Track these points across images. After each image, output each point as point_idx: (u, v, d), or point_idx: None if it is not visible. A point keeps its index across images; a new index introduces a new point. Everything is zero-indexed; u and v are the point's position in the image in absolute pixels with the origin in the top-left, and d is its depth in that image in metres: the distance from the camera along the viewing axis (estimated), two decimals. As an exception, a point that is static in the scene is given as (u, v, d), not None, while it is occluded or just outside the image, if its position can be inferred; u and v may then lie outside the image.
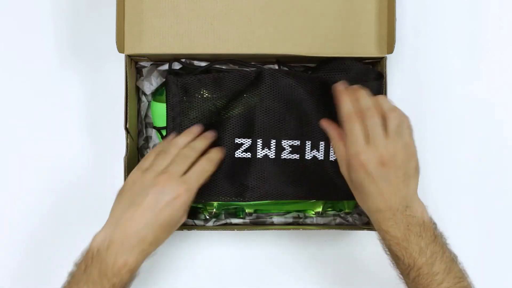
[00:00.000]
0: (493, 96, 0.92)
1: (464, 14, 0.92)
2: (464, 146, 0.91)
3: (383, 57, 0.81)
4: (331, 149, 0.82)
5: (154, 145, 0.87)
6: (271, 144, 0.81)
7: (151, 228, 0.71)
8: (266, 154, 0.81)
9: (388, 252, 0.73)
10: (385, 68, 0.81)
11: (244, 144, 0.81)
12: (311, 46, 0.81)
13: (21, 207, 0.89)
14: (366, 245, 0.90)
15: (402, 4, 0.91)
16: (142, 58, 0.85)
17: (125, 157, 0.79)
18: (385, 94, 0.81)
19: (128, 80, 0.80)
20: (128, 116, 0.80)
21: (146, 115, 0.88)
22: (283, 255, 0.90)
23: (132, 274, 0.72)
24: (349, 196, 0.84)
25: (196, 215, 0.88)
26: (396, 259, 0.72)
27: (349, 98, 0.75)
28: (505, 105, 0.92)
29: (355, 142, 0.72)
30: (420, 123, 0.87)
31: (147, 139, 0.89)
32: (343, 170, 0.75)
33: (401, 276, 0.73)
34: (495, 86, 0.92)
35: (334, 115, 0.79)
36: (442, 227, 0.75)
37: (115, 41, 0.79)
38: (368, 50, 0.81)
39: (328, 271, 0.90)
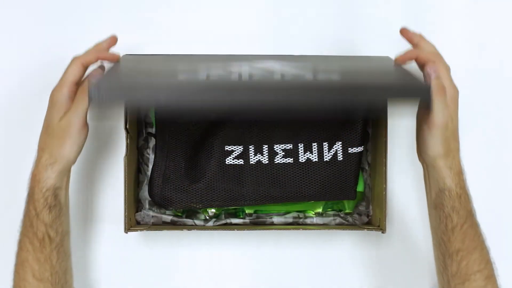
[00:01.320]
0: (494, 96, 0.92)
1: (464, 13, 0.92)
2: (464, 146, 0.91)
3: (387, 57, 0.81)
4: (324, 149, 0.82)
5: (154, 145, 0.87)
6: (264, 150, 0.82)
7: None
8: (259, 160, 0.82)
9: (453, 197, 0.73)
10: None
11: (235, 151, 0.81)
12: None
13: (20, 204, 0.89)
14: (366, 245, 0.90)
15: (403, 3, 0.91)
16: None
17: (125, 157, 0.79)
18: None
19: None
20: (128, 116, 0.80)
21: (146, 115, 0.88)
22: (283, 255, 0.90)
23: (40, 187, 0.73)
24: (346, 195, 0.84)
25: (196, 215, 0.88)
26: (457, 208, 0.73)
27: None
28: (506, 105, 0.92)
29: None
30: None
31: (147, 139, 0.88)
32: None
33: (449, 230, 0.73)
34: (495, 85, 0.92)
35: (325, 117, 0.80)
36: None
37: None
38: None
39: (328, 271, 0.90)
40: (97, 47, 0.78)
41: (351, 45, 0.91)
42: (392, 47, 0.90)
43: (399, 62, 0.76)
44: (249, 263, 0.90)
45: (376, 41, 0.91)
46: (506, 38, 0.92)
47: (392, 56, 0.80)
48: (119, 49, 0.83)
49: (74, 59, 0.76)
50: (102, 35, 0.90)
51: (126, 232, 0.80)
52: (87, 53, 0.76)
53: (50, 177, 0.74)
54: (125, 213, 0.79)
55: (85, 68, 0.76)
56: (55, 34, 0.91)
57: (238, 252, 0.90)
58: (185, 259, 0.89)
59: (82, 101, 0.73)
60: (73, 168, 0.88)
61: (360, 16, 0.91)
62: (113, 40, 0.79)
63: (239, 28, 0.91)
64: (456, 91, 0.73)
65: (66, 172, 0.76)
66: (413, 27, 0.92)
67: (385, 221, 0.80)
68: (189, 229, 0.83)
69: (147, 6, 0.91)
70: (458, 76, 0.91)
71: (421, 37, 0.77)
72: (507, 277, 0.83)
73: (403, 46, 0.91)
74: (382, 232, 0.81)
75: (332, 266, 0.90)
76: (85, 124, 0.75)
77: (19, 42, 0.91)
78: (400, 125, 0.88)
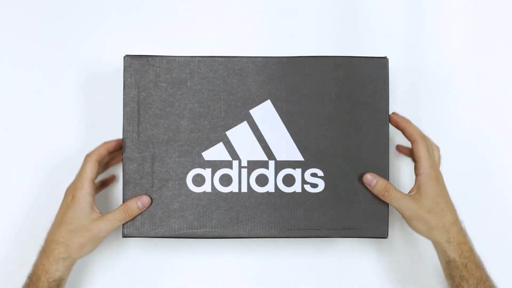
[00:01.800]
0: (494, 96, 0.92)
1: (464, 13, 0.92)
2: (464, 146, 0.91)
3: (384, 57, 0.81)
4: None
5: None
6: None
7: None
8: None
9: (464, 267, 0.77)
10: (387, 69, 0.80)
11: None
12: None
13: (20, 206, 0.89)
14: (367, 250, 0.89)
15: (403, 3, 0.91)
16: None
17: (124, 155, 0.79)
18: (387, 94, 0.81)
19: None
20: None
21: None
22: (284, 259, 0.89)
23: (47, 277, 0.76)
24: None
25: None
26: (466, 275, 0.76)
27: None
28: (506, 105, 0.92)
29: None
30: (419, 123, 0.88)
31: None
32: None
33: None
34: (495, 85, 0.92)
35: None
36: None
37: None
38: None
39: (329, 277, 0.89)
40: (105, 144, 0.82)
41: (351, 45, 0.91)
42: (392, 47, 0.91)
43: (392, 118, 0.80)
44: (249, 266, 0.89)
45: (376, 41, 0.91)
46: (506, 38, 0.92)
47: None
48: (119, 49, 0.83)
49: (88, 157, 0.80)
50: (102, 35, 0.91)
51: (124, 236, 0.79)
52: (98, 149, 0.81)
53: (59, 270, 0.77)
54: None
55: (99, 163, 0.80)
56: (55, 34, 0.91)
57: (238, 256, 0.89)
58: (185, 263, 0.89)
59: (119, 218, 0.77)
60: (71, 166, 0.88)
61: (360, 16, 0.91)
62: (120, 141, 0.82)
63: (239, 28, 0.91)
64: (436, 173, 0.78)
65: (73, 265, 0.79)
66: (413, 27, 0.92)
67: (387, 226, 0.80)
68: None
69: (147, 6, 0.91)
70: (458, 76, 0.92)
71: (407, 121, 0.81)
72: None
73: (403, 45, 0.91)
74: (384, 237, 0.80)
75: (334, 271, 0.89)
76: None
77: (19, 42, 0.91)
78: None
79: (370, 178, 0.77)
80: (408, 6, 0.92)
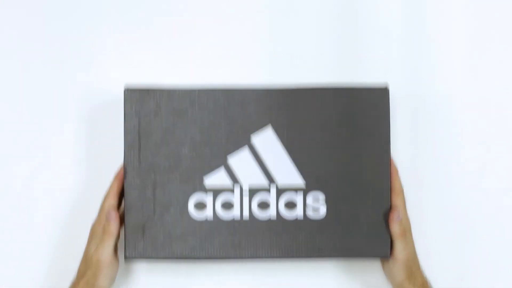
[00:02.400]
0: (494, 96, 0.92)
1: (464, 13, 0.92)
2: (463, 147, 0.91)
3: (385, 88, 0.81)
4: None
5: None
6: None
7: None
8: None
9: None
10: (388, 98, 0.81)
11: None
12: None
13: (21, 215, 0.89)
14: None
15: (403, 5, 0.91)
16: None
17: (125, 182, 0.80)
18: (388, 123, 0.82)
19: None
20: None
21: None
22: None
23: None
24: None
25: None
26: None
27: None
28: (506, 105, 0.92)
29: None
30: (418, 124, 0.88)
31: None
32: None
33: None
34: (495, 85, 0.92)
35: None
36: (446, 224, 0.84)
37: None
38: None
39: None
40: (114, 181, 0.81)
41: (351, 45, 0.91)
42: (393, 50, 0.91)
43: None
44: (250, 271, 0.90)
45: (376, 41, 0.91)
46: (506, 38, 0.92)
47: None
48: (119, 49, 0.84)
49: (106, 198, 0.81)
50: (102, 35, 0.91)
51: (126, 258, 0.80)
52: (111, 187, 0.81)
53: None
54: (126, 238, 0.80)
55: (119, 196, 0.81)
56: (55, 35, 0.91)
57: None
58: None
59: (108, 239, 0.78)
60: (70, 170, 0.89)
61: (360, 16, 0.91)
62: (120, 175, 0.82)
63: (239, 28, 0.91)
64: (409, 222, 0.83)
65: None
66: (413, 27, 0.92)
67: (389, 247, 0.81)
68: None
69: (147, 6, 0.91)
70: (457, 76, 0.92)
71: (397, 172, 0.83)
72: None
73: (403, 46, 0.91)
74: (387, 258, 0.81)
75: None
76: (114, 258, 0.80)
77: (19, 42, 0.91)
78: (400, 134, 0.89)
79: (397, 214, 0.80)
80: (408, 7, 0.91)
